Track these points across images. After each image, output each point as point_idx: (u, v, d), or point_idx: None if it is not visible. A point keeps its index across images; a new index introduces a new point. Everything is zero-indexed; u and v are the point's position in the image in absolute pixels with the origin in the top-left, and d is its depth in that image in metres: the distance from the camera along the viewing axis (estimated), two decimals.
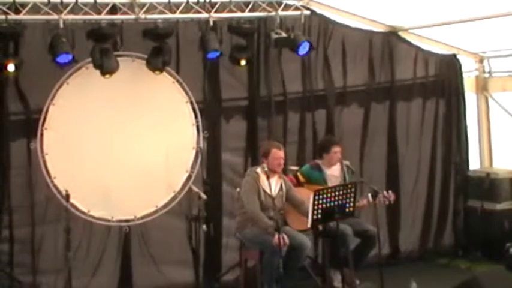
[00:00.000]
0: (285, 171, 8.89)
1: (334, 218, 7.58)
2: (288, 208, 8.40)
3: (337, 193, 7.59)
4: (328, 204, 7.53)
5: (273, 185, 7.96)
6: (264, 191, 7.92)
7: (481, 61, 10.82)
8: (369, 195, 8.25)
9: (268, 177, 7.92)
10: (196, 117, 8.73)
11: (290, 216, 8.41)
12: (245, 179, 8.12)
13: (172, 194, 8.60)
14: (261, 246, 7.73)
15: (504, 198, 10.07)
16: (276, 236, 7.47)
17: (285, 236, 7.58)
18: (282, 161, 8.03)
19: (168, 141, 8.61)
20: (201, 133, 8.76)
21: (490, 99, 10.84)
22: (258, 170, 8.04)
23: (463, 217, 10.47)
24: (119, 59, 8.05)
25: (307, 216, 7.58)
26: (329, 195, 7.54)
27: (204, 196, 8.26)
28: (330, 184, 8.33)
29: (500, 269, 8.41)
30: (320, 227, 8.06)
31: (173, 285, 8.82)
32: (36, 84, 8.17)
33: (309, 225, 7.68)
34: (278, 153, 7.99)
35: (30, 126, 8.19)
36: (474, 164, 10.79)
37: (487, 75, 10.83)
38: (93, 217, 8.30)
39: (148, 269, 8.79)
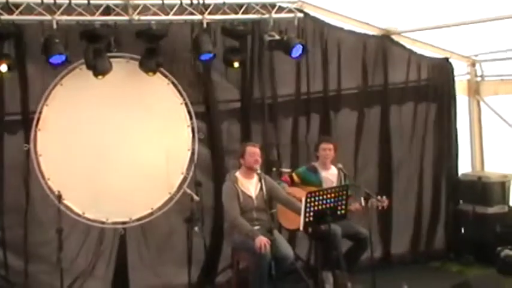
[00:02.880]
0: (280, 174, 8.94)
1: (326, 220, 7.59)
2: (280, 208, 8.42)
3: (329, 195, 7.59)
4: (320, 207, 7.53)
5: (253, 186, 7.96)
6: (244, 192, 7.89)
7: (473, 65, 10.86)
8: (362, 199, 8.24)
9: (247, 178, 7.94)
10: (191, 118, 8.72)
11: (283, 216, 8.43)
12: (224, 184, 8.07)
13: (168, 196, 8.60)
14: (248, 250, 7.71)
15: (496, 202, 10.11)
16: (257, 240, 7.47)
17: (265, 239, 7.50)
18: (259, 158, 7.95)
19: (163, 143, 8.61)
20: (196, 135, 8.75)
21: (482, 103, 10.87)
22: (237, 173, 8.03)
23: (455, 221, 10.48)
24: (112, 60, 8.06)
25: (298, 213, 7.59)
26: (321, 197, 7.54)
27: (196, 198, 8.28)
28: (325, 186, 8.32)
29: (492, 272, 8.43)
30: (310, 229, 8.05)
31: (167, 286, 8.79)
32: (30, 84, 8.18)
33: (301, 228, 7.69)
34: (253, 150, 7.96)
35: (25, 126, 8.17)
36: (466, 167, 10.82)
37: (479, 78, 10.86)
38: (88, 219, 8.29)
39: (143, 271, 8.79)
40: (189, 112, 8.72)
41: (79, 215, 8.23)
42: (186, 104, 8.71)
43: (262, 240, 7.47)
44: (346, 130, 9.88)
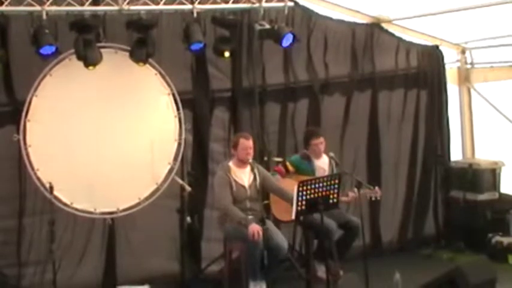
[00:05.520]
0: (268, 163, 8.94)
1: (318, 209, 7.60)
2: (273, 198, 8.43)
3: (321, 184, 7.59)
4: (312, 196, 7.54)
5: (246, 176, 7.98)
6: (236, 182, 7.90)
7: (463, 52, 10.88)
8: (355, 189, 8.24)
9: (240, 168, 7.96)
10: (178, 109, 8.71)
11: (276, 206, 8.45)
12: (217, 174, 8.11)
13: (155, 186, 8.56)
14: (241, 239, 7.72)
15: (486, 189, 10.15)
16: (250, 228, 7.48)
17: (258, 227, 7.53)
18: (251, 151, 7.97)
19: (151, 133, 8.57)
20: (183, 125, 8.74)
21: (472, 90, 10.91)
22: (230, 163, 8.05)
23: (446, 208, 10.53)
24: (101, 50, 8.02)
25: (291, 203, 7.60)
26: (313, 186, 7.54)
27: (188, 188, 8.29)
28: (318, 175, 8.33)
29: (483, 259, 8.46)
30: (301, 218, 8.06)
31: (157, 276, 8.80)
32: (20, 75, 8.16)
33: (293, 217, 7.70)
34: (245, 143, 7.96)
35: (15, 117, 8.13)
36: (457, 155, 10.87)
37: (469, 66, 10.90)
38: (76, 209, 8.25)
39: (133, 261, 8.80)
40: (176, 102, 8.69)
41: (67, 205, 8.19)
42: (173, 95, 8.68)
43: (255, 228, 7.48)
44: (335, 118, 9.90)
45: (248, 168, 8.01)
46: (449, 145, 10.71)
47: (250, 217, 7.72)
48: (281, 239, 7.84)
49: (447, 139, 10.67)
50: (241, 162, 7.98)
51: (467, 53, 10.87)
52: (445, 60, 10.63)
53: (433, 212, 10.60)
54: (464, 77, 10.91)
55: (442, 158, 10.57)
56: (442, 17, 9.55)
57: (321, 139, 8.65)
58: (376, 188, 8.47)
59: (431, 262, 9.68)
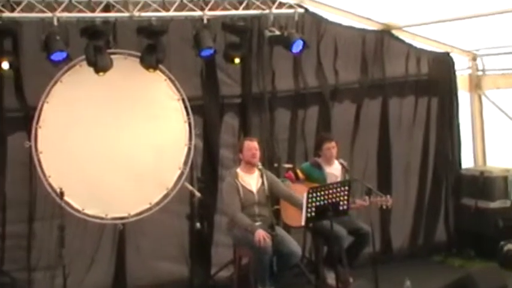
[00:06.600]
0: (278, 170, 8.94)
1: (328, 216, 7.59)
2: (283, 204, 8.42)
3: (331, 191, 7.59)
4: (322, 202, 7.54)
5: (254, 180, 7.98)
6: (244, 187, 7.91)
7: (474, 59, 10.85)
8: (366, 197, 8.23)
9: (248, 173, 7.97)
10: (188, 114, 8.73)
11: (286, 212, 8.44)
12: (225, 180, 8.11)
13: (165, 192, 8.58)
14: (248, 245, 7.71)
15: (498, 197, 10.08)
16: (256, 234, 7.47)
17: (264, 233, 7.51)
18: (256, 152, 7.96)
19: (161, 139, 8.60)
20: (193, 130, 8.75)
21: (483, 97, 10.87)
22: (238, 169, 8.06)
23: (457, 215, 10.49)
24: (112, 56, 8.05)
25: (300, 208, 7.59)
26: (323, 193, 7.54)
27: (198, 194, 8.31)
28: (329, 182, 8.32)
29: (494, 266, 8.43)
30: (311, 224, 8.05)
31: (167, 282, 8.82)
32: (31, 81, 8.20)
33: (303, 223, 7.69)
34: (250, 144, 7.98)
35: (27, 123, 8.17)
36: (468, 162, 10.82)
37: (480, 73, 10.86)
38: (88, 215, 8.29)
39: (143, 266, 8.82)
40: (186, 108, 8.71)
41: (79, 211, 8.22)
42: (183, 100, 8.70)
43: (261, 234, 7.47)
44: (345, 124, 9.89)
45: (256, 173, 8.01)
46: (461, 152, 10.67)
47: (258, 223, 7.72)
48: (294, 245, 7.81)
49: (458, 146, 10.63)
50: (249, 166, 7.98)
51: (478, 60, 10.83)
52: (456, 67, 10.61)
53: (444, 219, 10.56)
54: (476, 84, 10.87)
55: (453, 165, 10.52)
56: (453, 24, 9.53)
57: (333, 143, 8.65)
58: (388, 196, 8.44)
59: (442, 269, 9.64)
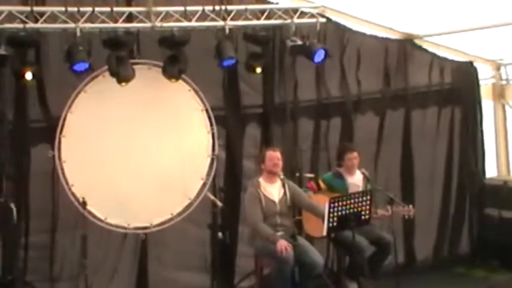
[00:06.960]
0: (300, 180, 8.92)
1: (350, 226, 7.57)
2: (305, 215, 8.40)
3: (353, 201, 7.59)
4: (343, 212, 7.53)
5: (276, 190, 7.98)
6: (266, 197, 7.90)
7: (498, 68, 10.81)
8: (388, 206, 8.20)
9: (270, 183, 7.97)
10: (211, 125, 8.75)
11: (309, 223, 8.42)
12: (247, 190, 8.12)
13: (188, 202, 8.59)
14: (270, 255, 7.70)
15: None
16: (278, 244, 7.45)
17: (285, 243, 7.50)
18: (279, 162, 7.98)
19: (184, 149, 8.61)
20: (216, 141, 8.77)
21: (507, 107, 10.81)
22: (260, 178, 8.06)
23: (480, 225, 10.42)
24: (134, 66, 8.09)
25: (322, 218, 7.56)
26: (345, 203, 7.54)
27: (219, 204, 8.30)
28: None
29: None
30: (332, 235, 8.03)
31: None
32: (54, 92, 8.25)
33: (324, 233, 7.67)
34: (273, 154, 8.01)
35: (50, 134, 8.21)
36: (491, 172, 10.76)
37: (504, 82, 10.81)
38: (110, 224, 8.31)
39: (165, 276, 8.82)
40: (209, 118, 8.73)
41: (101, 220, 8.25)
42: (206, 111, 8.72)
43: (282, 244, 7.46)
44: (368, 135, 9.86)
45: (278, 183, 8.01)
46: (484, 162, 10.62)
47: (280, 233, 7.70)
48: (317, 255, 7.79)
49: (482, 156, 10.58)
50: (271, 175, 7.98)
51: (502, 69, 10.79)
52: (480, 77, 10.57)
53: (468, 229, 10.49)
54: (499, 93, 10.83)
55: (476, 175, 10.45)
56: (476, 34, 9.50)
57: (355, 154, 8.64)
58: (410, 206, 8.41)
59: (466, 280, 9.59)
